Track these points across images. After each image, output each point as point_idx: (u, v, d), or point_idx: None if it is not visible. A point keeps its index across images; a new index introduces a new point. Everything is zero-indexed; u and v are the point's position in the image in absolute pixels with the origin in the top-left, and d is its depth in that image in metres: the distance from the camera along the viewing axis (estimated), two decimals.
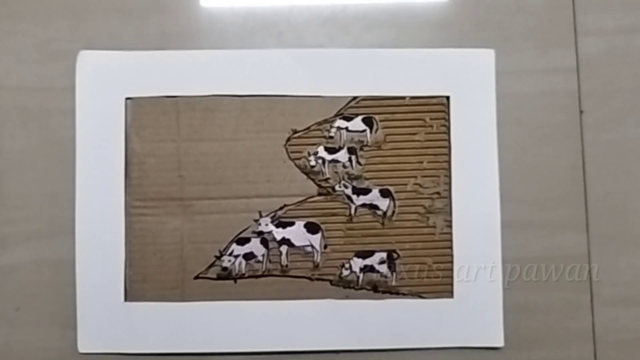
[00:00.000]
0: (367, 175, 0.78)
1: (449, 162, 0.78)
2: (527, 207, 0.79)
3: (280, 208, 0.77)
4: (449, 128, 0.78)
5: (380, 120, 0.78)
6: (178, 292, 0.76)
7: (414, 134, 0.79)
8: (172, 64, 0.78)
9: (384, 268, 0.77)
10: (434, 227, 0.78)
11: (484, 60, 0.78)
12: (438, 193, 0.78)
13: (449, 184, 0.77)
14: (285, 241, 0.77)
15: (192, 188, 0.78)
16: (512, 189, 0.78)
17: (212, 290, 0.77)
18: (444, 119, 0.78)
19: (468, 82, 0.78)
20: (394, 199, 0.78)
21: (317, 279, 0.77)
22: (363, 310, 0.76)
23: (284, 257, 0.77)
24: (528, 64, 0.80)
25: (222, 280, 0.77)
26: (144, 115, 0.77)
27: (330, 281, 0.77)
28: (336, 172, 0.78)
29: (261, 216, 0.77)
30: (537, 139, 0.79)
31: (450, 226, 0.78)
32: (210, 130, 0.78)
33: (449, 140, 0.78)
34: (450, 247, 0.77)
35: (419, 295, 0.77)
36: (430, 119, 0.79)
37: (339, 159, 0.78)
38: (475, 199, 0.77)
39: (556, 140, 0.80)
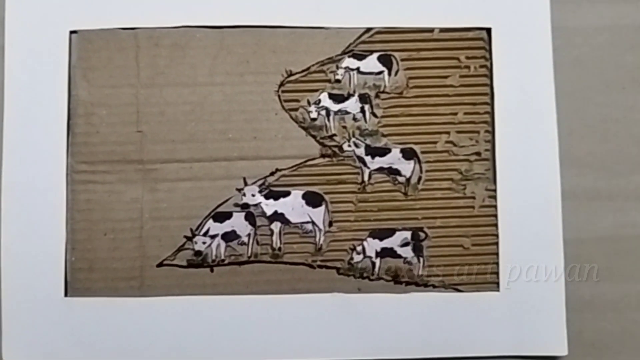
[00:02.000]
0: (384, 130, 0.68)
1: (491, 113, 0.67)
2: (593, 173, 0.69)
3: (272, 173, 0.67)
4: (490, 70, 0.67)
5: (402, 60, 0.68)
6: (136, 284, 0.66)
7: (446, 77, 0.68)
8: None
9: (407, 252, 0.67)
10: (473, 197, 0.67)
11: None
12: (478, 154, 0.67)
13: (492, 142, 0.67)
14: (277, 217, 0.66)
15: (155, 147, 0.67)
16: (573, 151, 0.68)
17: (180, 282, 0.66)
18: (483, 57, 0.68)
19: (515, 11, 0.67)
20: (420, 162, 0.67)
21: (320, 267, 0.66)
22: (381, 307, 0.65)
23: (276, 237, 0.66)
24: None
25: (194, 268, 0.66)
26: (94, 53, 0.67)
27: (338, 269, 0.66)
28: (344, 127, 0.67)
29: (246, 184, 0.66)
30: (603, 85, 0.69)
31: (494, 197, 0.67)
32: (179, 72, 0.67)
33: (491, 86, 0.67)
34: (495, 225, 0.66)
35: (454, 288, 0.67)
36: (467, 57, 0.68)
37: (349, 110, 0.68)
38: (527, 162, 0.66)
39: (627, 87, 0.69)
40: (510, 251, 0.66)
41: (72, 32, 0.67)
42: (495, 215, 0.67)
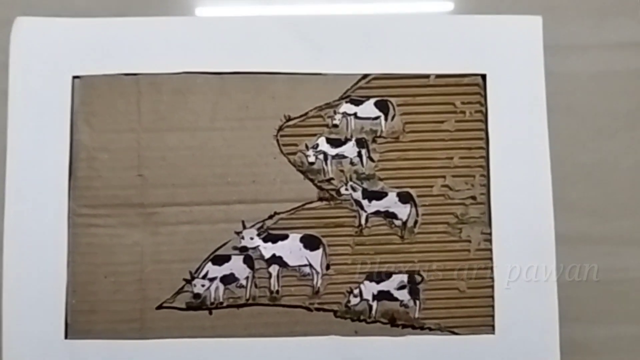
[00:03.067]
0: (381, 174, 0.67)
1: (486, 158, 0.67)
2: (585, 218, 0.69)
3: (270, 217, 0.66)
4: (485, 115, 0.67)
5: (398, 105, 0.67)
6: (136, 327, 0.65)
7: (442, 122, 0.68)
8: (132, 34, 0.67)
9: (404, 295, 0.66)
10: (469, 241, 0.67)
11: (529, 29, 0.68)
12: (473, 198, 0.67)
13: (487, 186, 0.67)
14: (275, 260, 0.66)
15: (155, 192, 0.66)
16: (566, 195, 0.68)
17: (180, 324, 0.65)
18: (479, 103, 0.67)
19: (509, 58, 0.67)
20: (416, 205, 0.67)
21: (318, 310, 0.66)
22: (377, 351, 0.65)
23: (274, 280, 0.66)
24: (583, 37, 0.70)
25: (193, 310, 0.66)
26: (96, 98, 0.67)
27: (335, 312, 0.66)
28: (342, 171, 0.67)
29: (245, 227, 0.66)
30: (595, 131, 0.69)
31: (489, 240, 0.66)
32: (180, 118, 0.67)
33: (486, 131, 0.67)
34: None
35: (449, 331, 0.66)
36: (462, 103, 0.68)
37: (346, 154, 0.67)
38: (521, 205, 0.66)
39: (619, 132, 0.70)
40: (506, 294, 0.66)
41: (74, 77, 0.67)
42: (491, 259, 0.66)
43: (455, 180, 0.67)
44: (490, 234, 0.66)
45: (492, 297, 0.66)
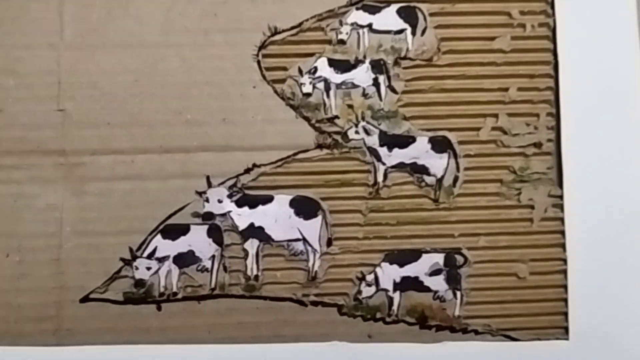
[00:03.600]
0: (407, 112, 0.59)
1: (555, 90, 0.59)
2: None
3: (247, 171, 0.58)
4: (553, 30, 0.59)
5: (431, 14, 0.59)
6: (50, 327, 0.56)
7: (492, 38, 0.59)
8: None
9: (439, 283, 0.58)
10: (531, 207, 0.58)
11: None
12: (537, 145, 0.59)
13: (556, 129, 0.59)
14: (254, 232, 0.58)
15: (82, 133, 0.58)
16: None
17: (115, 324, 0.57)
18: (544, 13, 0.59)
19: None
20: (456, 156, 0.59)
21: (315, 304, 0.58)
22: None
23: (251, 261, 0.57)
24: None
25: (134, 304, 0.57)
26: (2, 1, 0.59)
27: (340, 308, 0.58)
28: (350, 106, 0.59)
29: (210, 185, 0.57)
30: None
31: (560, 206, 0.58)
32: (118, 29, 0.59)
33: (554, 52, 0.59)
34: (562, 245, 0.58)
35: (504, 335, 0.58)
36: (521, 12, 0.59)
37: (356, 82, 0.60)
38: (604, 157, 0.58)
39: None
40: (584, 282, 0.57)
41: None
42: (562, 232, 0.58)
43: (512, 121, 0.59)
44: (561, 197, 0.59)
45: (565, 287, 0.58)
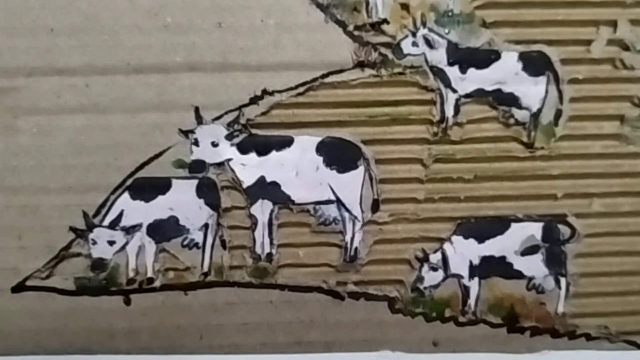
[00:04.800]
0: (487, 15, 0.45)
1: None
2: None
3: (254, 99, 0.43)
4: None
5: None
6: None
7: None
8: None
9: (535, 265, 0.45)
10: None
11: None
12: None
13: None
14: (267, 189, 0.44)
15: (12, 43, 0.44)
16: None
17: (61, 325, 0.45)
18: None
19: None
20: (558, 81, 0.44)
21: (355, 296, 0.45)
22: None
23: (261, 233, 0.44)
24: None
25: (90, 295, 0.45)
26: None
27: (391, 301, 0.45)
28: (405, 5, 0.44)
29: (201, 121, 0.44)
30: None
31: None
32: None
33: None
34: None
35: (628, 341, 0.46)
36: None
37: None
38: None
39: None
40: None
41: None
42: None
43: (637, 32, 0.45)
44: None
45: None
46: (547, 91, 0.45)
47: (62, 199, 0.44)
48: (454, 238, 0.45)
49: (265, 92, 0.44)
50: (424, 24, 0.44)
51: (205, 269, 0.45)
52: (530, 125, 0.46)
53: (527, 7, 0.45)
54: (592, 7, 0.45)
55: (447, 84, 0.45)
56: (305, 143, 0.44)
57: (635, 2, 0.45)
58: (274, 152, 0.44)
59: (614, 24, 0.45)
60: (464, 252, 0.45)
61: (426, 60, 0.44)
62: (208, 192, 0.45)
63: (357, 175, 0.44)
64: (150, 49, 0.44)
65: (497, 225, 0.45)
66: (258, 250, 0.45)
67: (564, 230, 0.45)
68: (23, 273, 0.44)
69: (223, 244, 0.45)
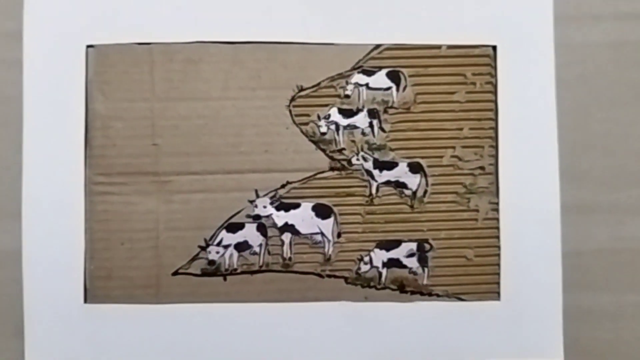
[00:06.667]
0: (392, 145, 0.67)
1: (495, 129, 0.67)
2: (593, 187, 0.68)
3: (282, 186, 0.66)
4: (495, 86, 0.67)
5: (410, 76, 0.67)
6: (152, 292, 0.66)
7: (452, 93, 0.67)
8: (145, 3, 0.66)
9: (413, 262, 0.67)
10: (477, 210, 0.67)
11: (539, 0, 0.67)
12: (482, 168, 0.67)
13: (496, 156, 0.67)
14: (288, 228, 0.66)
15: (169, 160, 0.66)
16: (574, 165, 0.68)
17: (195, 290, 0.66)
18: (489, 74, 0.67)
19: (519, 28, 0.67)
20: (426, 175, 0.67)
21: (329, 276, 0.66)
22: (387, 315, 0.66)
23: (286, 247, 0.66)
24: (594, 7, 0.69)
25: (207, 276, 0.66)
26: (110, 67, 0.66)
27: (346, 279, 0.66)
28: (353, 141, 0.67)
29: (258, 196, 0.66)
30: (605, 102, 0.69)
31: (496, 210, 0.67)
32: (193, 87, 0.66)
33: (495, 102, 0.67)
34: (497, 237, 0.67)
35: (457, 297, 0.67)
36: (473, 74, 0.67)
37: (357, 124, 0.67)
38: (528, 176, 0.67)
39: (629, 102, 0.69)
40: (511, 262, 0.66)
41: (88, 46, 0.66)
42: (498, 228, 0.66)
43: (465, 151, 0.67)
44: (497, 203, 0.67)
45: (498, 265, 0.66)
46: (420, 181, 0.66)
47: (194, 233, 0.65)
48: (375, 250, 0.66)
49: (288, 182, 0.66)
50: (362, 150, 0.66)
51: (261, 264, 0.66)
52: (411, 197, 0.66)
53: (411, 140, 0.66)
54: (443, 140, 0.66)
55: (372, 177, 0.66)
56: (306, 206, 0.65)
57: (464, 137, 0.66)
58: (292, 210, 0.66)
59: (454, 148, 0.67)
60: (380, 256, 0.66)
61: (363, 167, 0.66)
62: (261, 229, 0.66)
63: (330, 221, 0.65)
64: (233, 163, 0.65)
65: (395, 244, 0.66)
66: (285, 255, 0.66)
67: (427, 246, 0.66)
68: (176, 266, 0.66)
69: (268, 252, 0.65)
